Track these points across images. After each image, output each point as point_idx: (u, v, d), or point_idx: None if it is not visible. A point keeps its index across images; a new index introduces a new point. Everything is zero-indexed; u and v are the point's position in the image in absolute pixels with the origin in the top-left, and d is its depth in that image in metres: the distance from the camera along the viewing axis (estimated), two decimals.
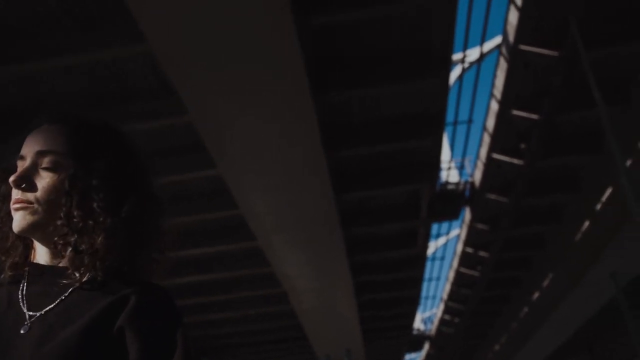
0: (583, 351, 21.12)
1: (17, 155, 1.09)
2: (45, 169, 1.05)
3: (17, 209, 1.05)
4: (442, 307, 23.05)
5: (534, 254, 16.37)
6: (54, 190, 1.04)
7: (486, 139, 11.65)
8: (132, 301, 0.99)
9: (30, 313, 1.01)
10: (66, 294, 1.02)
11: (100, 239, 1.02)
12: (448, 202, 12.67)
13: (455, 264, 18.35)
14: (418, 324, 25.17)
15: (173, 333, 1.00)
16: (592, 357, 23.16)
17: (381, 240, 13.77)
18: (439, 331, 25.08)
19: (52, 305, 1.01)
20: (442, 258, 18.49)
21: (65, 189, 1.04)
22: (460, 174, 13.03)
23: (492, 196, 12.99)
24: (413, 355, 30.35)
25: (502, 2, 8.80)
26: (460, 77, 10.49)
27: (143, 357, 0.95)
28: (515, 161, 11.49)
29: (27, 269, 1.09)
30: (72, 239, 1.03)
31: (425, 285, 18.62)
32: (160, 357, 0.97)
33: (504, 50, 9.42)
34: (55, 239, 1.04)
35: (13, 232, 1.09)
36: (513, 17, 8.71)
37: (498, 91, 10.12)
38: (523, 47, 8.91)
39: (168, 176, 9.10)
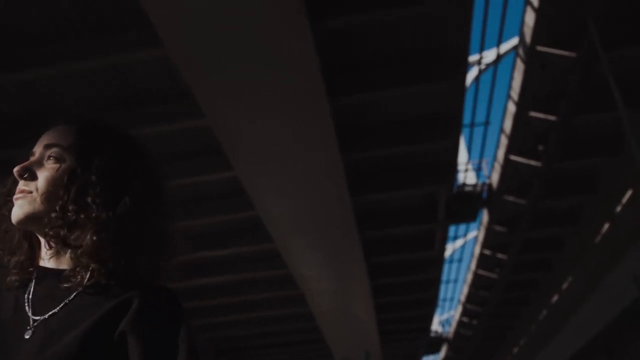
0: (602, 355, 20.85)
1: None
2: (49, 161, 1.09)
3: (17, 199, 1.07)
4: (460, 309, 22.94)
5: (553, 256, 16.24)
6: (52, 182, 1.06)
7: (503, 141, 11.59)
8: (135, 304, 0.99)
9: (35, 317, 1.02)
10: (70, 298, 1.02)
11: (90, 234, 1.02)
12: (465, 204, 12.62)
13: (473, 266, 18.25)
14: (436, 326, 25.05)
15: (176, 336, 0.97)
16: None
17: (398, 243, 13.74)
18: (457, 333, 24.94)
19: (56, 310, 1.02)
20: (460, 260, 18.39)
21: (64, 182, 1.06)
22: (478, 176, 12.99)
23: (510, 198, 12.92)
24: (431, 357, 30.26)
25: (518, 3, 8.77)
26: (477, 79, 10.45)
27: None
28: (533, 163, 11.41)
29: (32, 271, 1.11)
30: (62, 232, 1.04)
31: (442, 287, 18.55)
32: None
33: (520, 51, 9.37)
34: (46, 230, 1.05)
35: (20, 232, 1.12)
36: (530, 18, 8.67)
37: (515, 92, 10.07)
38: (540, 48, 8.86)
39: (185, 179, 9.19)
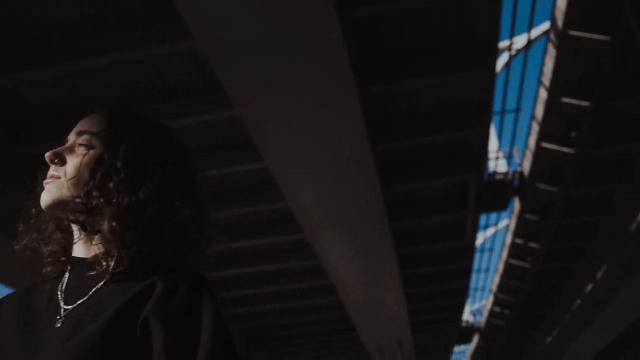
0: (638, 346, 20.50)
1: None
2: (79, 148, 1.11)
3: (46, 184, 1.09)
4: (491, 299, 22.75)
5: (587, 245, 15.98)
6: (80, 168, 1.08)
7: (535, 128, 11.41)
8: (158, 289, 0.97)
9: (66, 307, 1.02)
10: (98, 287, 1.02)
11: (110, 219, 1.02)
12: (497, 193, 12.49)
13: (504, 255, 18.07)
14: (467, 316, 24.90)
15: (200, 321, 0.93)
16: None
17: (429, 232, 13.67)
18: (489, 323, 24.76)
19: (84, 299, 1.02)
20: (492, 249, 18.24)
21: (91, 168, 1.07)
22: (509, 164, 12.83)
23: (542, 186, 12.73)
24: (462, 347, 30.08)
25: None
26: (508, 65, 10.30)
27: (169, 349, 0.90)
28: (566, 150, 11.22)
29: (66, 261, 1.12)
30: (82, 218, 1.05)
31: (474, 277, 18.41)
32: (187, 349, 0.90)
33: (552, 36, 9.20)
34: (68, 214, 1.07)
35: (53, 223, 1.14)
36: (562, 1, 8.50)
37: (547, 78, 9.90)
38: (572, 32, 8.69)
39: (215, 170, 9.26)
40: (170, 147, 1.15)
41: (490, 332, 25.25)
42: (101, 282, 1.02)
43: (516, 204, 14.55)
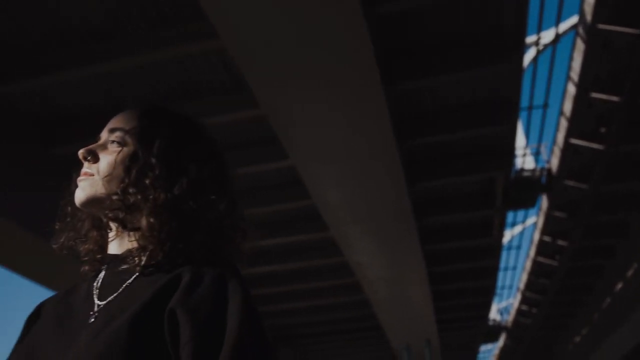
0: None
1: None
2: (112, 145, 1.11)
3: (79, 181, 1.10)
4: (519, 297, 22.53)
5: (617, 242, 15.72)
6: (114, 165, 1.08)
7: (563, 124, 11.27)
8: (185, 279, 0.96)
9: (99, 303, 1.03)
10: (129, 281, 1.03)
11: (147, 215, 1.03)
12: (524, 190, 12.34)
13: (532, 253, 17.87)
14: (494, 314, 24.67)
15: (225, 311, 0.92)
16: None
17: (455, 230, 13.58)
18: (516, 322, 24.52)
19: (116, 294, 1.02)
20: (519, 247, 17.99)
21: (125, 165, 1.08)
22: (536, 161, 12.67)
23: (570, 182, 12.56)
24: (489, 346, 29.82)
25: None
26: (535, 60, 10.17)
27: (195, 340, 0.88)
28: (595, 146, 11.05)
29: (102, 258, 1.13)
30: (121, 215, 1.06)
31: (501, 275, 18.24)
32: (214, 339, 0.89)
33: (580, 30, 9.07)
34: (106, 212, 1.07)
35: (88, 220, 1.15)
36: None
37: (575, 73, 9.76)
38: (601, 26, 8.55)
39: (241, 168, 9.31)
40: (202, 143, 1.15)
41: (518, 330, 25.00)
42: (133, 276, 1.03)
43: (544, 201, 14.38)
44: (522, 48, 8.26)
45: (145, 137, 1.10)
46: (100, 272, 1.11)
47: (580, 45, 9.23)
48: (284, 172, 10.02)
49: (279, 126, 8.09)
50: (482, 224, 13.49)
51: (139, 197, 1.05)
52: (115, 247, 1.10)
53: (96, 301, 1.04)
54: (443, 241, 13.76)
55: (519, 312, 23.47)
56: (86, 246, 1.15)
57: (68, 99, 8.35)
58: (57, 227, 1.17)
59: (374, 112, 7.93)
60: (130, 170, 1.07)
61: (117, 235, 1.09)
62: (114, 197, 1.06)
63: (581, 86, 9.77)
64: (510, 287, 21.56)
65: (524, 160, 12.53)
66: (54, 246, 1.16)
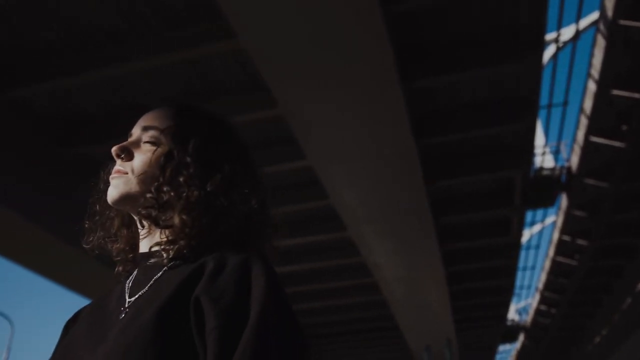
0: None
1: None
2: (146, 143, 1.11)
3: (112, 179, 1.09)
4: (537, 297, 22.33)
5: (638, 242, 15.50)
6: (149, 164, 1.08)
7: (583, 121, 11.13)
8: (209, 267, 0.95)
9: (129, 299, 1.04)
10: (158, 276, 1.03)
11: (179, 212, 1.03)
12: (543, 189, 12.23)
13: (551, 252, 17.70)
14: (512, 314, 24.49)
15: (252, 296, 0.90)
16: None
17: (473, 229, 13.47)
18: (535, 322, 24.32)
19: (145, 289, 1.03)
20: (537, 246, 17.81)
21: (161, 163, 1.07)
22: (556, 159, 12.54)
23: (591, 181, 12.41)
24: (507, 346, 29.61)
25: None
26: (555, 57, 10.06)
27: (219, 327, 0.87)
28: (616, 143, 10.91)
29: (133, 258, 1.13)
30: (154, 212, 1.05)
31: (519, 274, 18.07)
32: (238, 326, 0.87)
33: (601, 26, 8.94)
34: (139, 209, 1.07)
35: (119, 219, 1.15)
36: None
37: (595, 70, 9.63)
38: (622, 22, 8.43)
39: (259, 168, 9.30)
40: (233, 142, 1.16)
41: (536, 331, 24.80)
42: (161, 270, 1.03)
43: (563, 200, 14.23)
44: (541, 45, 8.16)
45: (180, 137, 1.10)
46: (133, 271, 1.12)
47: (600, 42, 9.11)
48: (301, 172, 9.99)
49: (297, 126, 8.07)
50: (500, 223, 13.37)
51: (173, 194, 1.04)
52: (146, 245, 1.10)
53: (126, 298, 1.04)
54: (461, 240, 13.66)
55: (538, 312, 23.27)
56: (117, 245, 1.15)
57: (84, 100, 8.40)
58: (86, 226, 1.17)
59: (391, 111, 7.89)
60: (165, 169, 1.07)
61: (148, 232, 1.09)
62: (148, 195, 1.06)
63: (602, 83, 9.64)
64: (529, 287, 21.41)
65: (544, 158, 12.41)
66: (85, 246, 1.16)
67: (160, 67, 7.72)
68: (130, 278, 1.10)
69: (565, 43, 10.59)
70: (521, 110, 9.32)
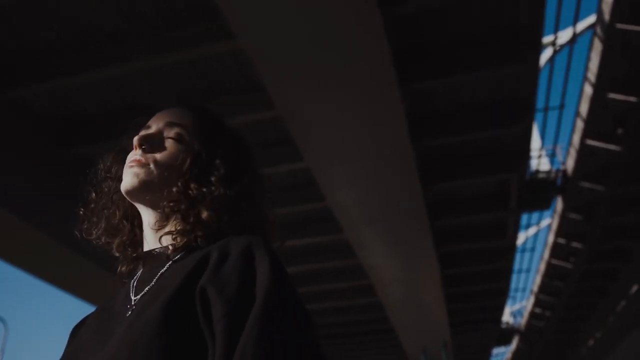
0: None
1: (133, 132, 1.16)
2: (171, 138, 1.12)
3: (131, 167, 1.08)
4: (532, 299, 22.37)
5: (633, 245, 15.55)
6: (174, 158, 1.09)
7: (579, 125, 11.16)
8: (213, 257, 0.95)
9: (135, 297, 1.03)
10: (163, 270, 1.03)
11: (208, 209, 1.04)
12: (539, 192, 12.26)
13: (546, 255, 17.74)
14: (507, 317, 24.52)
15: (257, 282, 0.90)
16: None
17: (469, 231, 13.49)
18: (529, 325, 24.35)
19: (151, 284, 1.02)
20: (533, 249, 17.88)
21: (188, 161, 1.08)
22: (552, 162, 12.57)
23: (586, 184, 12.44)
24: (502, 349, 29.64)
25: None
26: (551, 60, 10.09)
27: (226, 316, 0.87)
28: (611, 147, 10.94)
29: (137, 257, 1.13)
30: (183, 207, 1.05)
31: (514, 277, 18.10)
32: (244, 314, 0.86)
33: (598, 29, 8.98)
34: (164, 203, 1.06)
35: (120, 212, 1.14)
36: None
37: (592, 73, 9.67)
38: (619, 25, 8.46)
39: None
40: (247, 147, 1.21)
41: (531, 333, 24.83)
42: (166, 265, 1.03)
43: (559, 203, 14.27)
44: (539, 48, 8.19)
45: (206, 138, 1.13)
46: (137, 270, 1.12)
47: (597, 45, 9.14)
48: (299, 173, 9.99)
49: (294, 127, 8.06)
50: (496, 226, 13.40)
51: (204, 191, 1.06)
52: (150, 242, 1.09)
53: (132, 297, 1.04)
54: (457, 243, 13.68)
55: (533, 315, 23.31)
56: (117, 240, 1.14)
57: (83, 100, 8.38)
58: (81, 213, 1.16)
59: (389, 113, 7.90)
60: (192, 166, 1.08)
61: (159, 227, 1.08)
62: (174, 189, 1.06)
63: (598, 86, 9.67)
64: (524, 289, 21.52)
65: (539, 161, 12.44)
66: (83, 235, 1.15)
67: (160, 68, 7.71)
68: (135, 277, 1.09)
69: (562, 46, 10.63)
70: (518, 113, 9.35)
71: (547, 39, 9.53)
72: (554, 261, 17.23)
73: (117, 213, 1.14)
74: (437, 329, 17.09)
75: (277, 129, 8.71)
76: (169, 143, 1.11)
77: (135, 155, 1.09)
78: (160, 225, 1.08)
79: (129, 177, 1.08)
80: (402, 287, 13.63)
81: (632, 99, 9.58)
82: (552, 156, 12.54)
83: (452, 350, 19.16)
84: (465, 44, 7.92)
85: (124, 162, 1.13)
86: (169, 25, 7.04)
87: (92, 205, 1.15)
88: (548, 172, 12.40)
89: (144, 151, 1.09)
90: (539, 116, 10.75)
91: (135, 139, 1.10)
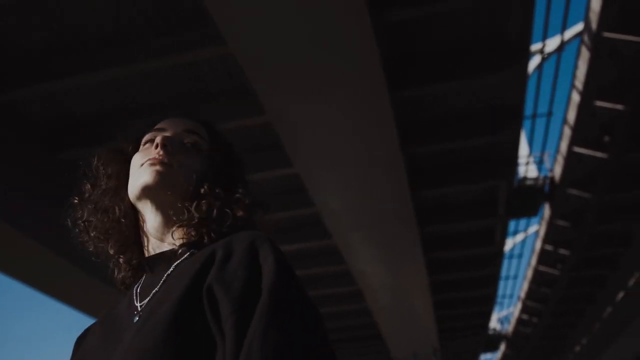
0: None
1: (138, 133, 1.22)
2: (191, 144, 1.17)
3: (152, 164, 1.09)
4: (519, 306, 22.44)
5: (620, 252, 15.65)
6: (195, 164, 1.13)
7: (567, 132, 11.24)
8: (219, 255, 0.96)
9: (140, 304, 1.03)
10: (168, 273, 1.03)
11: (219, 209, 1.07)
12: (526, 198, 12.33)
13: (533, 262, 17.82)
14: (494, 323, 24.58)
15: (263, 277, 0.90)
16: None
17: (457, 238, 13.53)
18: (516, 331, 24.43)
19: (157, 288, 1.02)
20: (520, 256, 17.93)
21: (205, 168, 1.14)
22: (539, 169, 12.65)
23: (574, 191, 12.52)
24: (489, 355, 29.71)
25: None
26: (539, 68, 10.16)
27: (234, 314, 0.86)
28: (599, 154, 11.02)
29: (139, 264, 1.13)
30: (194, 209, 1.07)
31: (502, 283, 18.18)
32: (252, 310, 0.86)
33: (586, 38, 9.06)
34: (178, 205, 1.08)
35: (120, 211, 1.13)
36: (596, 3, 8.37)
37: (579, 81, 9.74)
38: (607, 34, 8.54)
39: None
40: (240, 154, 1.28)
41: (518, 340, 24.90)
42: (172, 266, 1.04)
43: (546, 210, 14.35)
44: (527, 55, 8.25)
45: (217, 147, 1.20)
46: (139, 277, 1.12)
47: (585, 54, 9.22)
48: (288, 179, 9.97)
49: (284, 132, 8.06)
50: (484, 233, 13.45)
51: (214, 194, 1.10)
52: (154, 245, 1.10)
53: (137, 304, 1.04)
54: (445, 249, 13.72)
55: (520, 321, 23.39)
56: (125, 257, 1.13)
57: (75, 104, 8.33)
58: (75, 202, 1.17)
59: (379, 119, 7.91)
60: (208, 172, 1.13)
61: (163, 227, 1.09)
62: (190, 192, 1.10)
63: (585, 94, 9.74)
64: (511, 296, 21.53)
65: (527, 168, 12.51)
66: (85, 239, 1.15)
67: (150, 73, 7.67)
68: (138, 284, 1.09)
69: (550, 54, 10.71)
70: (506, 120, 9.40)
71: (535, 46, 9.59)
72: (541, 268, 17.31)
73: (117, 211, 1.13)
74: (426, 335, 17.11)
75: (266, 134, 8.69)
76: (189, 148, 1.15)
77: (156, 154, 1.11)
78: (166, 227, 1.09)
79: (151, 174, 1.08)
80: (390, 293, 13.64)
81: (619, 107, 9.66)
82: (539, 163, 12.63)
83: (441, 356, 19.18)
84: (454, 51, 7.97)
85: (124, 163, 1.15)
86: (159, 30, 7.01)
87: (87, 196, 1.15)
88: (536, 179, 12.48)
89: (166, 151, 1.11)
90: (527, 123, 10.82)
91: (159, 139, 1.12)
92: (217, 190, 1.10)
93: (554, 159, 12.51)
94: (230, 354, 0.83)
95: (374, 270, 12.36)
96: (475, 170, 10.72)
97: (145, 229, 1.11)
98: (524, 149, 11.95)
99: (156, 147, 1.12)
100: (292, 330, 0.85)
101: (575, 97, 10.19)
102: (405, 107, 8.59)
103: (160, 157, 1.10)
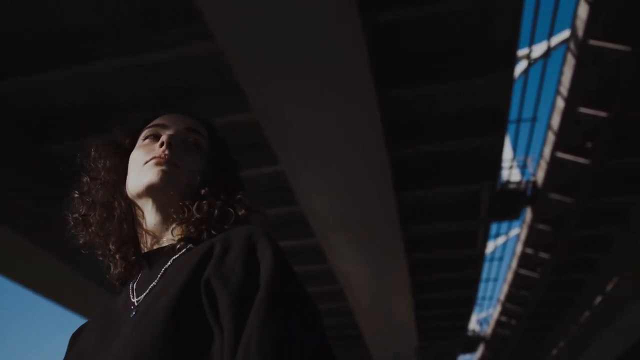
0: None
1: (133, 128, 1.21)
2: (193, 144, 1.17)
3: (157, 163, 1.09)
4: (498, 308, 22.63)
5: (599, 257, 15.84)
6: (199, 163, 1.14)
7: (550, 137, 11.35)
8: (217, 249, 0.96)
9: (137, 299, 1.02)
10: (165, 267, 1.03)
11: (219, 207, 1.07)
12: (509, 202, 12.43)
13: (514, 264, 17.97)
14: (473, 325, 24.76)
15: (261, 271, 0.90)
16: None
17: (440, 240, 13.60)
18: (495, 333, 24.62)
19: (155, 282, 1.02)
20: (501, 258, 18.07)
21: (207, 167, 1.15)
22: (523, 173, 12.76)
23: (555, 196, 12.65)
24: (467, 356, 29.94)
25: None
26: (526, 73, 10.25)
27: (232, 307, 0.86)
28: (581, 160, 11.15)
29: (135, 260, 1.12)
30: (195, 207, 1.07)
31: (482, 285, 18.31)
32: (250, 304, 0.86)
33: (572, 45, 9.15)
34: (180, 203, 1.07)
35: (120, 203, 1.13)
36: (582, 10, 8.45)
37: (564, 87, 9.84)
38: (592, 42, 8.63)
39: None
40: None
41: (497, 342, 25.10)
42: (169, 261, 1.04)
43: (528, 214, 14.47)
44: (514, 60, 8.31)
45: (216, 146, 1.21)
46: (136, 273, 1.11)
47: (570, 60, 9.31)
48: (273, 177, 9.96)
49: (270, 130, 8.04)
50: (466, 235, 13.53)
51: (214, 193, 1.10)
52: (151, 241, 1.10)
53: (134, 299, 1.03)
54: (428, 251, 13.78)
55: (499, 323, 23.58)
56: (122, 252, 1.12)
57: (59, 97, 8.25)
58: (75, 196, 1.15)
59: (366, 119, 7.93)
60: (207, 171, 1.13)
61: (162, 224, 1.09)
62: (192, 191, 1.10)
63: (570, 101, 9.84)
64: (491, 298, 21.73)
65: (511, 172, 12.61)
66: (70, 213, 1.14)
67: (137, 67, 7.62)
68: (135, 280, 1.09)
69: (536, 59, 10.80)
70: (491, 124, 9.47)
71: (522, 51, 9.67)
72: (522, 271, 17.47)
73: (117, 207, 1.12)
74: (406, 335, 17.19)
75: (253, 132, 8.66)
76: (191, 148, 1.16)
77: (162, 152, 1.10)
78: (165, 224, 1.08)
79: (157, 174, 1.08)
80: (372, 293, 13.68)
81: (603, 114, 9.78)
82: (523, 167, 12.73)
83: (421, 357, 19.29)
84: (442, 54, 8.00)
85: (123, 156, 1.15)
86: (146, 24, 6.97)
87: (86, 189, 1.14)
88: (518, 183, 12.58)
89: (172, 150, 1.10)
90: (511, 127, 10.90)
91: (165, 137, 1.12)
92: (217, 190, 1.09)
93: (537, 164, 12.63)
94: (228, 348, 0.83)
95: (356, 269, 12.39)
96: (459, 173, 10.78)
97: (143, 225, 1.11)
98: (507, 152, 12.04)
99: (161, 145, 1.11)
100: (290, 324, 0.85)
101: (560, 103, 10.29)
102: (392, 108, 8.62)
103: (166, 157, 1.09)
